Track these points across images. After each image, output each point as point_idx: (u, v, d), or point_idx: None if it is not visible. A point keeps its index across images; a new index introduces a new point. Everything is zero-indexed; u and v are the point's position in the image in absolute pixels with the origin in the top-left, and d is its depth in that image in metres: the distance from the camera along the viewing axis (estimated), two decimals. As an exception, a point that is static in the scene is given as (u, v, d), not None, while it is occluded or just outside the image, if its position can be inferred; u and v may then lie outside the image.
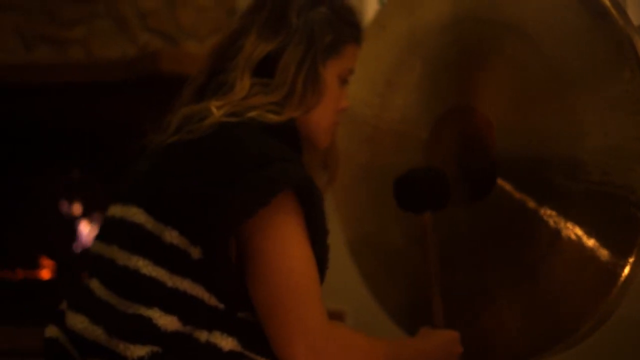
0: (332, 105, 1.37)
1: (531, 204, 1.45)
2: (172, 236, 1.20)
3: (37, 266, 3.14)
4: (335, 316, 1.62)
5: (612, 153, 1.37)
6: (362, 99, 1.73)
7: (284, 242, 1.21)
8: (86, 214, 3.18)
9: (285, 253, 1.21)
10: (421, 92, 1.67)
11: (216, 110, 1.26)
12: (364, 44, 1.46)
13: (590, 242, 1.39)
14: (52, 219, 3.16)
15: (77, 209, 3.19)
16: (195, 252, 1.19)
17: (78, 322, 1.25)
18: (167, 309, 1.18)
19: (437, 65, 1.64)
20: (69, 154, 3.07)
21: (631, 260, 1.36)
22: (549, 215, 1.43)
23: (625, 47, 1.37)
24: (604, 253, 1.38)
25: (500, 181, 1.49)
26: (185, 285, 1.19)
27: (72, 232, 3.17)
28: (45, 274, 3.14)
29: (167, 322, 1.18)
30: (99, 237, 1.35)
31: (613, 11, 1.39)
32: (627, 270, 1.36)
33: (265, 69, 1.31)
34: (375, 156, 1.74)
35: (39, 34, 2.90)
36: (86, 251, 3.10)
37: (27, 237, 3.11)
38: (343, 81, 1.40)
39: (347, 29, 1.38)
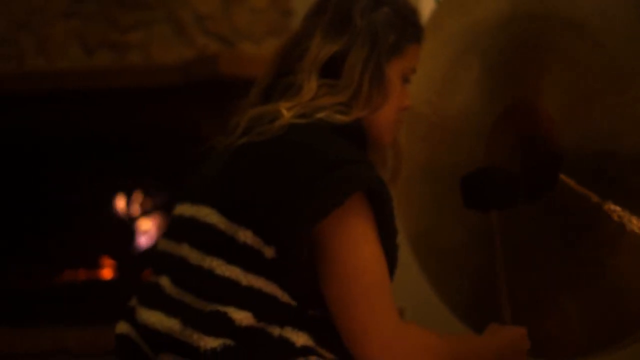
0: (396, 104, 1.39)
1: (595, 199, 1.45)
2: (246, 236, 1.22)
3: (98, 266, 3.20)
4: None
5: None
6: (420, 97, 1.73)
7: (356, 242, 1.23)
8: (144, 215, 3.24)
9: (358, 253, 1.22)
10: (479, 90, 1.67)
11: (286, 111, 1.28)
12: (420, 43, 1.47)
13: (656, 236, 1.38)
14: (112, 220, 3.22)
15: (135, 209, 3.25)
16: (269, 252, 1.21)
17: (152, 316, 1.26)
18: (242, 306, 1.20)
19: (495, 62, 1.64)
20: (129, 157, 3.12)
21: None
22: (613, 210, 1.42)
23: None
24: (670, 247, 1.37)
25: (562, 177, 1.49)
26: (260, 283, 1.21)
27: (131, 232, 3.23)
28: (107, 273, 3.19)
29: (242, 317, 1.20)
30: (166, 235, 1.36)
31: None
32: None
33: (330, 69, 1.33)
34: (435, 154, 1.74)
35: (99, 39, 2.95)
36: (146, 250, 3.16)
37: (88, 238, 3.17)
38: (405, 80, 1.41)
39: (409, 28, 1.39)
